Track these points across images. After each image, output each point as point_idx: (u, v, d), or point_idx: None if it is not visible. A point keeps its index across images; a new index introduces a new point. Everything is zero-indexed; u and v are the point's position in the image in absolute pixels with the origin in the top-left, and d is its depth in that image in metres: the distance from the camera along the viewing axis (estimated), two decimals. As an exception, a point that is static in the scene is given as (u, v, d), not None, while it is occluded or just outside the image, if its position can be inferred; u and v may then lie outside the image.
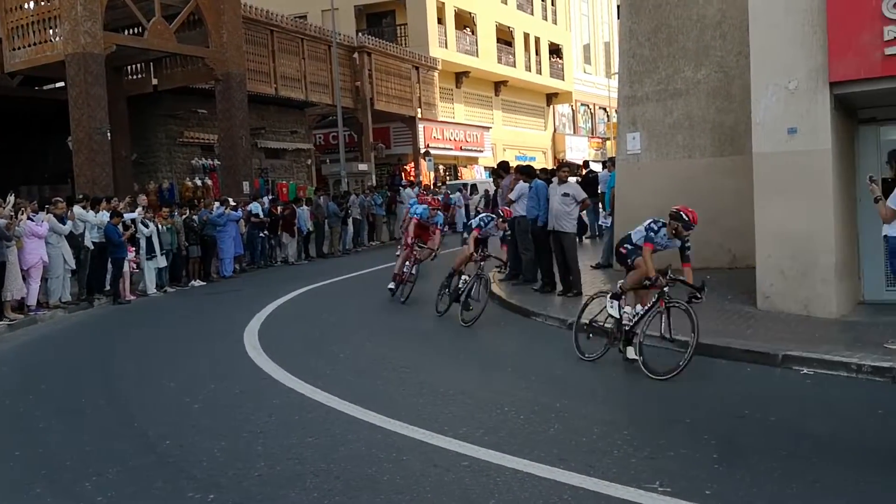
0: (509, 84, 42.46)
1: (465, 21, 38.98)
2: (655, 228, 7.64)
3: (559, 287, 12.00)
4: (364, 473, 5.12)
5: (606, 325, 8.08)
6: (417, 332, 10.31)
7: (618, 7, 15.17)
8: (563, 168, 13.21)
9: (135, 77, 25.04)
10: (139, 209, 15.71)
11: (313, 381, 7.54)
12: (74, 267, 13.79)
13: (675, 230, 7.52)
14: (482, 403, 6.69)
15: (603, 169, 19.75)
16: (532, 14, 45.14)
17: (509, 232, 11.31)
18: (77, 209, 14.21)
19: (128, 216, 15.05)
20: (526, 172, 12.90)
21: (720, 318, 9.41)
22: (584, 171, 20.59)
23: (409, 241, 12.51)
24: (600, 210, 18.44)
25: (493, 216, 11.00)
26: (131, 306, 14.29)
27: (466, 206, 28.15)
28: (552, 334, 9.69)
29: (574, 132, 50.43)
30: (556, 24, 48.03)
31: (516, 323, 10.65)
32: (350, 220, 23.19)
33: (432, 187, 29.03)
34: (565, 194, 11.78)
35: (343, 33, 30.36)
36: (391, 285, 12.69)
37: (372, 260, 19.12)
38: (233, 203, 18.40)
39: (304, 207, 21.09)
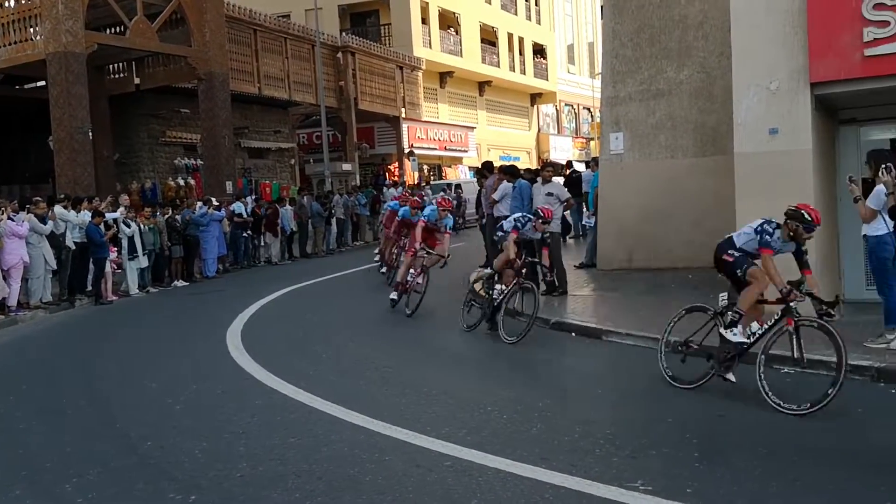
0: (493, 84, 42.51)
1: (449, 21, 38.99)
2: (770, 230, 6.48)
3: (543, 287, 12.01)
4: (346, 474, 5.11)
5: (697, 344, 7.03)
6: (401, 333, 10.29)
7: (601, 7, 15.21)
8: (547, 168, 13.25)
9: (117, 76, 24.90)
10: (121, 209, 15.62)
11: (296, 382, 7.51)
12: (56, 267, 13.72)
13: (792, 231, 6.42)
14: (465, 403, 6.69)
15: (586, 169, 19.82)
16: (516, 14, 45.20)
17: (548, 234, 9.98)
18: (58, 209, 14.13)
19: (110, 216, 14.96)
20: (510, 172, 12.92)
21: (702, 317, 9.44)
22: (567, 171, 20.65)
23: (417, 246, 11.10)
24: (584, 210, 18.49)
25: (531, 216, 9.60)
26: (113, 307, 14.20)
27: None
28: (535, 333, 9.69)
29: (558, 132, 50.57)
30: (539, 24, 48.11)
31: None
32: (334, 220, 23.14)
33: (415, 186, 29.00)
34: (549, 194, 11.82)
35: (327, 33, 30.30)
36: (393, 295, 11.45)
37: (356, 260, 19.08)
38: (216, 203, 18.32)
39: (288, 207, 21.03)
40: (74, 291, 14.20)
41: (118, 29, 22.17)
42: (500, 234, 9.83)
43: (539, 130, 48.60)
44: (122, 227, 15.05)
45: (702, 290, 11.11)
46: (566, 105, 52.08)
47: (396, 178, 32.55)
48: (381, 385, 7.50)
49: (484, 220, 13.79)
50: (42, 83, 21.10)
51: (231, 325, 11.05)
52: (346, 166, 31.09)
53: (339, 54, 30.64)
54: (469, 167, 37.62)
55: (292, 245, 21.46)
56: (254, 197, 22.72)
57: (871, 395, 6.57)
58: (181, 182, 24.37)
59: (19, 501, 5.03)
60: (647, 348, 8.33)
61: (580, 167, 23.88)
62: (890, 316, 7.61)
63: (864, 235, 7.82)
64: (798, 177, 9.25)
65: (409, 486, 4.85)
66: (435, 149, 36.96)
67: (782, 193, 9.25)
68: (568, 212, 16.35)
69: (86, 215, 14.29)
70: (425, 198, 18.76)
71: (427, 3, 36.79)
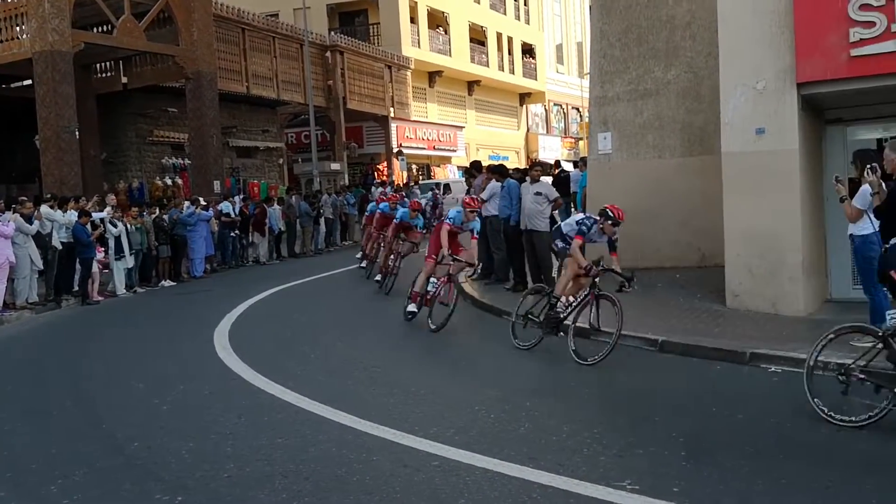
0: (482, 84, 42.52)
1: (437, 20, 38.98)
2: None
3: (531, 286, 12.02)
4: (334, 474, 5.10)
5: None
6: (389, 333, 10.27)
7: (590, 7, 15.24)
8: (536, 167, 13.25)
9: (104, 75, 24.79)
10: (108, 209, 15.54)
11: (283, 382, 7.49)
12: (42, 267, 13.63)
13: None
14: (453, 403, 6.69)
15: (574, 168, 19.85)
16: (505, 14, 45.23)
17: (616, 236, 8.57)
18: (44, 209, 14.04)
19: (96, 215, 14.88)
20: (499, 172, 12.93)
21: (690, 316, 9.50)
22: (556, 171, 20.67)
23: (445, 251, 9.89)
24: (572, 210, 18.52)
25: (595, 217, 8.45)
26: (100, 307, 14.14)
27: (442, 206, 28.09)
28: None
29: (547, 132, 50.63)
30: (528, 24, 48.17)
31: (488, 322, 10.65)
32: (322, 220, 23.10)
33: (402, 186, 29.00)
34: (538, 193, 11.83)
35: (315, 32, 30.25)
36: (412, 307, 10.25)
37: (344, 260, 19.04)
38: (203, 202, 18.26)
39: (276, 207, 20.98)
40: (61, 292, 14.13)
41: (105, 28, 22.08)
42: (559, 244, 8.66)
43: (528, 130, 48.65)
44: (109, 226, 14.97)
45: (689, 289, 11.19)
46: (555, 105, 52.15)
47: (385, 178, 32.52)
48: (368, 385, 7.49)
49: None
50: (28, 82, 20.99)
51: (218, 325, 11.01)
52: (335, 166, 31.05)
53: (328, 53, 30.60)
54: (458, 167, 37.62)
55: (280, 245, 21.41)
56: (242, 196, 22.67)
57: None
58: (169, 181, 24.30)
59: (4, 503, 4.99)
60: (635, 348, 8.36)
61: (568, 167, 23.91)
62: (876, 315, 7.64)
63: (851, 235, 7.86)
64: (785, 176, 9.31)
65: (397, 486, 4.84)
66: (424, 148, 36.96)
67: (769, 193, 9.36)
68: (556, 211, 16.38)
69: (72, 215, 14.22)
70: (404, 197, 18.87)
71: (416, 3, 36.78)
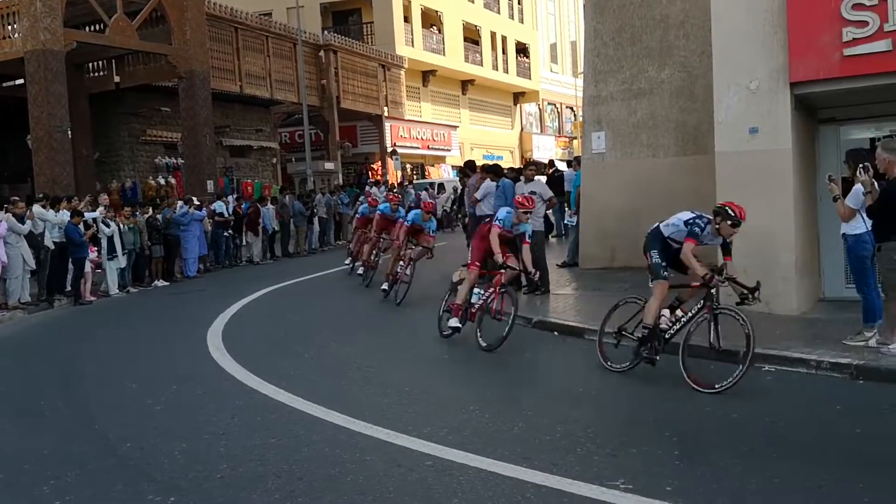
0: (476, 83, 42.51)
1: (431, 19, 38.96)
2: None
3: (525, 286, 12.02)
4: (327, 474, 5.09)
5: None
6: (383, 332, 10.27)
7: (584, 6, 15.24)
8: (530, 167, 13.26)
9: (96, 74, 24.71)
10: (100, 208, 15.50)
11: (277, 382, 7.48)
12: (34, 267, 13.60)
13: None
14: (446, 402, 6.68)
15: (568, 168, 19.86)
16: (499, 13, 45.25)
17: (731, 239, 7.17)
18: (37, 208, 14.01)
19: (89, 215, 14.84)
20: (494, 171, 12.92)
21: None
22: (550, 171, 20.67)
23: (499, 258, 8.66)
24: (566, 209, 18.53)
25: (708, 216, 7.08)
26: (92, 307, 14.10)
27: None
28: (517, 333, 9.69)
29: (541, 131, 50.63)
30: (522, 23, 48.19)
31: (482, 322, 10.62)
32: (316, 220, 23.07)
33: (396, 185, 28.99)
34: (532, 193, 11.81)
35: (308, 31, 30.20)
36: (454, 322, 8.97)
37: (338, 260, 18.99)
38: (197, 202, 18.22)
39: (270, 206, 20.95)
40: (53, 292, 14.08)
41: (98, 27, 21.99)
42: (655, 257, 7.22)
43: (522, 129, 48.65)
44: (102, 226, 14.93)
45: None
46: (549, 104, 52.15)
47: (379, 178, 32.49)
48: (362, 385, 7.47)
49: (467, 220, 13.78)
50: (20, 81, 20.88)
51: (212, 325, 10.98)
52: (329, 165, 31.02)
53: (321, 53, 30.55)
54: (452, 166, 37.61)
55: (274, 244, 21.38)
56: (235, 196, 22.63)
57: (849, 392, 6.61)
58: (162, 181, 24.23)
59: (-4, 504, 4.98)
60: (629, 347, 8.34)
61: (562, 166, 23.92)
62: (868, 314, 7.67)
63: (844, 234, 7.89)
64: (778, 176, 9.32)
65: (390, 486, 4.83)
66: (418, 148, 36.94)
67: (763, 192, 9.35)
68: (550, 211, 16.39)
69: (65, 215, 14.17)
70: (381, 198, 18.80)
71: (409, 2, 36.75)
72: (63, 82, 18.88)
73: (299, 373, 8.02)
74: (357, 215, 16.55)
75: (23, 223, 13.10)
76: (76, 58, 21.29)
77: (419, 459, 5.27)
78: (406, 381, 7.43)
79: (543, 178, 16.58)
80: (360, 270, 14.45)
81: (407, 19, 36.77)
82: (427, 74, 38.79)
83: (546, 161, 26.33)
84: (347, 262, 16.29)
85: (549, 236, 18.66)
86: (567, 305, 11.19)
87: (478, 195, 12.55)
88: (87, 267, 14.49)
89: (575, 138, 49.91)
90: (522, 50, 47.66)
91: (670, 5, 13.51)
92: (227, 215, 19.36)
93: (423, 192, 26.90)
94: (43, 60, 18.43)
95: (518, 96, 47.77)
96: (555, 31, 53.45)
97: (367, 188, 27.17)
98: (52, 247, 13.90)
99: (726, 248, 7.06)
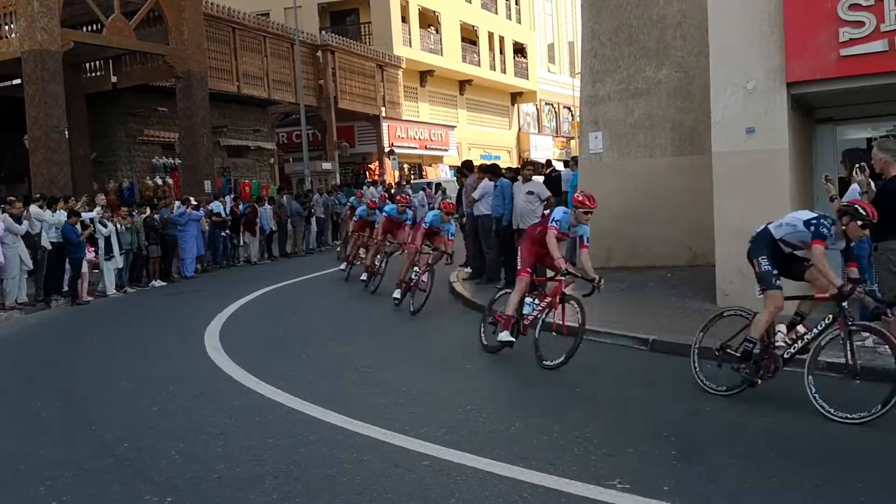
0: (474, 83, 42.53)
1: (429, 20, 38.96)
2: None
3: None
4: (324, 474, 5.08)
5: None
6: (380, 332, 10.26)
7: (581, 7, 15.26)
8: (528, 167, 13.27)
9: (93, 74, 24.72)
10: (97, 208, 15.49)
11: (274, 382, 7.47)
12: (31, 267, 13.58)
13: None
14: (444, 402, 6.68)
15: (565, 168, 19.85)
16: (496, 13, 45.26)
17: (854, 242, 6.41)
18: (34, 209, 13.99)
19: (86, 215, 14.83)
20: (492, 171, 12.93)
21: (680, 315, 9.51)
22: (547, 171, 20.66)
23: (562, 265, 7.79)
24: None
25: (832, 218, 6.20)
26: (89, 307, 14.08)
27: (430, 206, 28.02)
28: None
29: (539, 131, 50.67)
30: (520, 23, 48.21)
31: (479, 322, 10.62)
32: (313, 220, 23.06)
33: (394, 184, 28.98)
34: (529, 192, 11.85)
35: (306, 31, 30.23)
36: (505, 336, 8.07)
37: (335, 260, 19.00)
38: (194, 202, 18.21)
39: (267, 206, 20.95)
40: (50, 292, 14.07)
41: (95, 27, 21.99)
42: (765, 266, 6.41)
43: (519, 129, 48.68)
44: (99, 226, 14.92)
45: (680, 288, 11.21)
46: (546, 104, 52.18)
47: (377, 178, 32.49)
48: (359, 385, 7.47)
49: (464, 220, 13.78)
50: (17, 81, 20.89)
51: (209, 325, 10.97)
52: (326, 165, 31.02)
53: (319, 53, 30.56)
54: (450, 166, 37.61)
55: (272, 244, 21.38)
56: (232, 196, 22.63)
57: (846, 391, 6.61)
58: (159, 181, 24.24)
59: (-8, 505, 4.97)
60: (626, 347, 8.38)
61: (559, 166, 23.91)
62: (865, 314, 7.67)
63: (840, 234, 7.88)
64: (775, 176, 9.34)
65: (387, 486, 4.83)
66: (415, 148, 36.95)
67: (759, 192, 9.36)
68: (548, 210, 16.38)
69: (62, 215, 14.15)
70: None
71: (407, 2, 36.77)
72: (60, 82, 18.88)
73: (297, 373, 8.01)
74: (355, 218, 15.90)
75: (20, 223, 13.08)
76: (73, 58, 21.28)
77: (416, 459, 5.27)
78: (404, 381, 7.43)
79: (541, 178, 16.60)
80: (364, 277, 13.65)
81: (404, 19, 36.78)
82: (424, 74, 38.80)
83: (543, 161, 26.32)
84: (343, 267, 15.71)
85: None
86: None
87: (475, 195, 12.55)
88: (84, 267, 14.47)
89: (572, 138, 49.96)
90: (520, 50, 47.69)
91: (667, 6, 13.53)
92: (224, 215, 19.35)
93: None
94: (40, 60, 18.43)
95: (515, 96, 47.81)
96: (552, 31, 53.48)
97: (365, 188, 27.18)
98: (49, 247, 13.87)
99: (850, 254, 6.24)
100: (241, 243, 20.29)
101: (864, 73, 8.73)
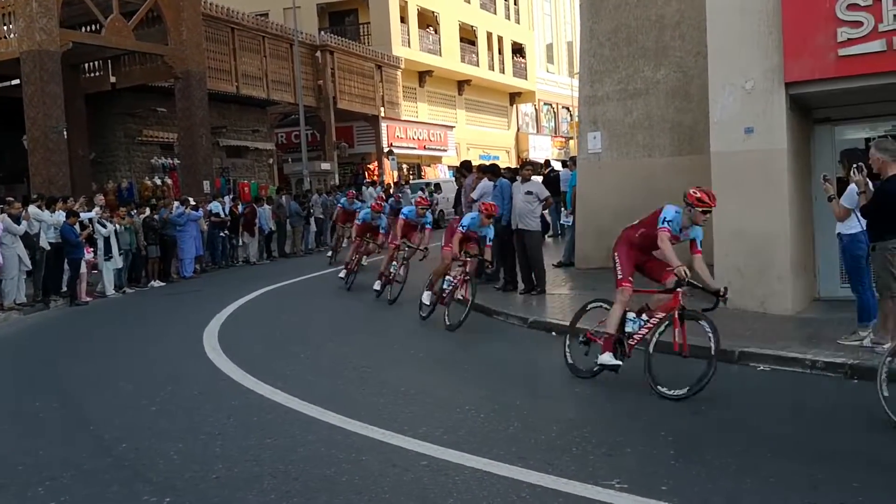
0: (473, 83, 42.53)
1: (428, 20, 38.96)
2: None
3: (521, 286, 12.05)
4: (322, 474, 5.09)
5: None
6: (379, 332, 10.27)
7: (580, 7, 15.27)
8: (527, 167, 13.26)
9: (92, 75, 24.70)
10: (96, 209, 15.48)
11: (273, 382, 7.48)
12: (30, 268, 13.57)
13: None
14: (442, 402, 6.68)
15: (564, 168, 19.88)
16: (495, 13, 45.25)
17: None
18: (32, 209, 13.98)
19: (85, 216, 14.83)
20: (491, 171, 12.92)
21: (679, 315, 9.50)
22: (546, 171, 20.69)
23: (684, 271, 6.72)
24: (562, 209, 18.54)
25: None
26: (88, 307, 14.08)
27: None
28: (514, 333, 9.73)
29: (537, 131, 50.66)
30: (518, 23, 48.20)
31: (478, 322, 10.60)
32: (312, 220, 23.06)
33: (396, 185, 28.96)
34: (528, 192, 11.84)
35: (305, 31, 30.22)
36: (610, 360, 6.95)
37: (327, 264, 19.00)
38: (193, 203, 18.21)
39: (266, 207, 20.95)
40: (49, 292, 14.06)
41: (94, 27, 21.99)
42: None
43: (518, 129, 48.68)
44: (98, 227, 14.92)
45: (679, 288, 11.18)
46: (545, 104, 52.19)
47: (376, 178, 32.49)
48: (358, 385, 7.47)
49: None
50: (16, 81, 20.87)
51: (208, 325, 10.97)
52: (325, 165, 31.00)
53: (318, 53, 30.56)
54: (448, 166, 37.61)
55: (271, 245, 21.37)
56: (231, 196, 22.63)
57: (844, 391, 6.63)
58: (158, 182, 24.22)
59: (-9, 505, 4.97)
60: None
61: (558, 166, 23.93)
62: (863, 313, 7.69)
63: (839, 234, 7.91)
64: (773, 176, 9.34)
65: (386, 486, 4.83)
66: (414, 148, 36.94)
67: (758, 192, 9.38)
68: (547, 211, 16.39)
69: (60, 215, 14.15)
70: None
71: (406, 2, 36.75)
72: (59, 83, 18.87)
73: (295, 373, 8.01)
74: (357, 221, 14.84)
75: (19, 224, 13.08)
76: (72, 58, 21.27)
77: (415, 459, 5.27)
78: (402, 382, 7.43)
79: (540, 178, 16.62)
80: (377, 287, 12.33)
81: (403, 20, 36.77)
82: (423, 75, 38.79)
83: (542, 161, 26.33)
84: (342, 275, 14.34)
85: (546, 236, 18.68)
86: (563, 305, 11.18)
87: (474, 195, 12.54)
88: (83, 267, 14.47)
89: (571, 138, 49.95)
90: (519, 50, 47.68)
91: (666, 6, 13.53)
92: (223, 216, 19.34)
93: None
94: (39, 61, 18.43)
95: (514, 96, 47.80)
96: (551, 31, 53.48)
97: (364, 188, 27.18)
98: (48, 247, 13.87)
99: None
100: (240, 243, 20.29)
101: (862, 73, 8.73)
